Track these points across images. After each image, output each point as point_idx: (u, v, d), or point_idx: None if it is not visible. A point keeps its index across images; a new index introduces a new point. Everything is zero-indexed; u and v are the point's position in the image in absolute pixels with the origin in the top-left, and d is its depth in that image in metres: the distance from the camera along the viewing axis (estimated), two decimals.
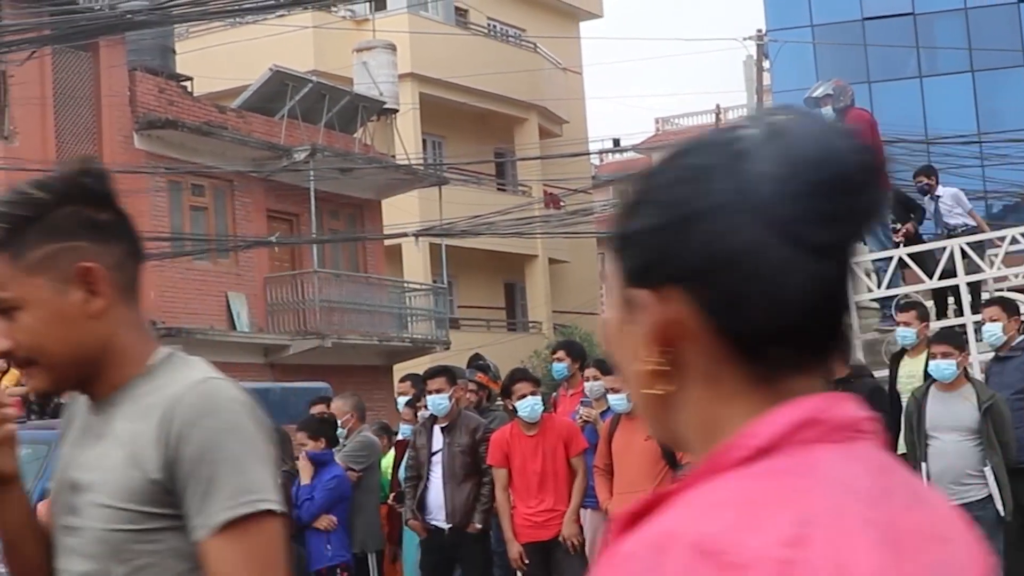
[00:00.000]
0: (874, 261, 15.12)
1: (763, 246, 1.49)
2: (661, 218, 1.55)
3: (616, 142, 62.06)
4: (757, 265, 1.50)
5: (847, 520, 1.42)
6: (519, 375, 11.88)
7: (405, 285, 35.81)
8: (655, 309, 1.56)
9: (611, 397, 11.18)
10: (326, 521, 12.23)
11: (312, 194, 29.90)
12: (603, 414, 12.05)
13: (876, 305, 15.26)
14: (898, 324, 12.44)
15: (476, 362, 14.74)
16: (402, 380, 14.63)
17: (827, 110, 15.34)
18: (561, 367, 13.29)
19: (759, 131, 1.54)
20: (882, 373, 12.57)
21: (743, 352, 1.54)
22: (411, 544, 13.14)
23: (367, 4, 38.00)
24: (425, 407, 12.56)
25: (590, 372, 12.58)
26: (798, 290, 1.51)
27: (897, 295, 14.19)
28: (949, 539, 1.53)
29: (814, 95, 15.78)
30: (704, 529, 1.42)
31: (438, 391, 12.00)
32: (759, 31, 33.55)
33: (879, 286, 14.95)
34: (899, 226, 15.98)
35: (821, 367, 1.58)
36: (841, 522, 1.42)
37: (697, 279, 1.53)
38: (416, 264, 38.25)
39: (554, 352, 13.96)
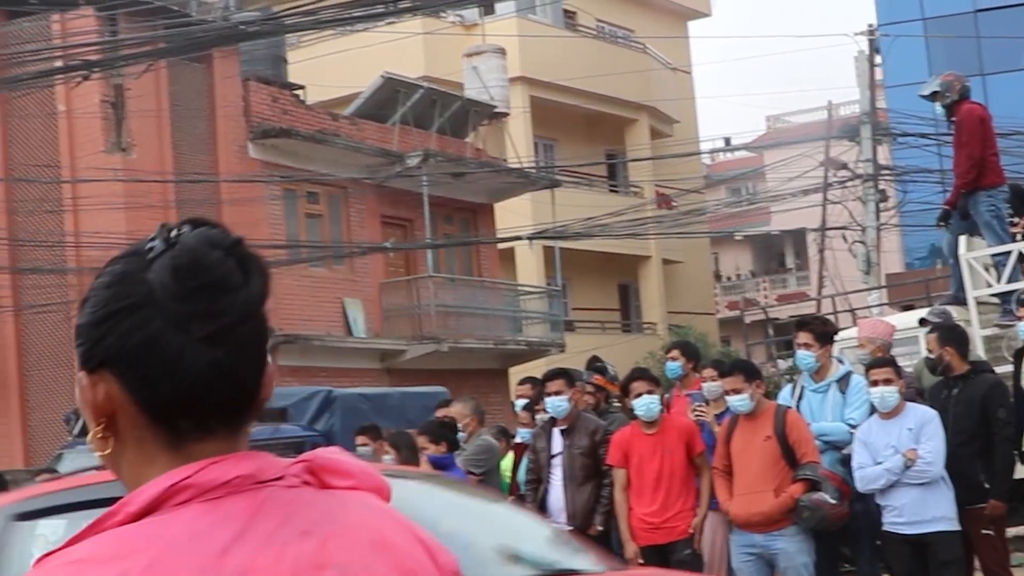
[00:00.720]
0: (993, 256, 14.92)
1: (163, 338, 1.85)
2: (94, 315, 1.91)
3: (727, 141, 61.88)
4: (159, 353, 1.86)
5: (170, 570, 1.76)
6: (637, 374, 11.85)
7: (519, 288, 35.89)
8: (91, 388, 1.91)
9: (730, 399, 11.12)
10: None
11: (425, 199, 30.04)
12: (720, 415, 12.01)
13: (996, 300, 15.06)
14: (1018, 319, 12.28)
15: (594, 364, 14.74)
16: (520, 383, 14.65)
17: (937, 107, 15.22)
18: (675, 366, 13.24)
19: (161, 244, 1.90)
20: (1005, 369, 12.41)
21: (157, 422, 1.89)
22: None
23: (476, 9, 38.13)
24: (544, 410, 12.57)
25: (707, 372, 12.52)
26: (193, 372, 1.85)
27: (1017, 290, 14.00)
28: (336, 564, 1.85)
29: (923, 93, 15.62)
30: None
31: (557, 393, 12.00)
32: (870, 26, 33.22)
33: (998, 281, 14.76)
34: (1017, 220, 15.77)
35: (233, 430, 1.92)
36: (162, 572, 1.76)
37: (119, 364, 1.88)
38: (530, 267, 38.31)
39: (668, 352, 13.92)
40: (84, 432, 13.19)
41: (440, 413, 14.06)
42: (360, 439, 14.08)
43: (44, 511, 6.88)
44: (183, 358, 1.85)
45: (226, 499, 1.85)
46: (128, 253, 1.96)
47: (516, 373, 31.94)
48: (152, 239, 1.93)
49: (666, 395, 13.16)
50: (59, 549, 1.83)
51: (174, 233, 1.92)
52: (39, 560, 1.83)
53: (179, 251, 1.89)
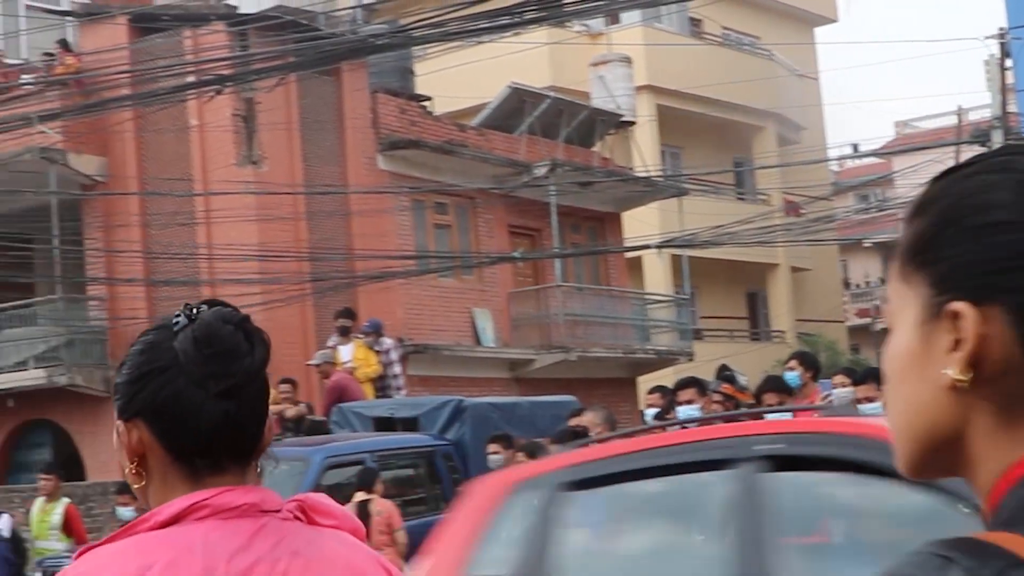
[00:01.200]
0: None
1: (185, 394, 2.37)
2: (130, 375, 2.43)
3: (855, 147, 61.24)
4: (182, 406, 2.37)
5: (183, 568, 2.28)
6: (769, 385, 11.80)
7: (647, 297, 35.84)
8: (127, 434, 2.41)
9: (863, 407, 11.05)
10: None
11: (553, 209, 30.10)
12: None
13: None
14: None
15: (723, 373, 14.71)
16: (651, 392, 14.65)
17: None
18: (793, 376, 13.17)
19: (184, 320, 2.42)
20: None
21: (179, 461, 2.40)
22: None
23: (602, 18, 38.15)
24: (675, 418, 12.57)
25: (838, 379, 12.45)
26: (210, 421, 2.37)
27: None
28: None
29: None
30: (81, 569, 2.32)
31: (688, 402, 12.02)
32: (1001, 29, 32.79)
33: None
34: None
35: (242, 467, 2.45)
36: (176, 569, 2.27)
37: (150, 414, 2.39)
38: (657, 276, 38.26)
39: (787, 362, 13.84)
40: None
41: (572, 422, 14.09)
42: (492, 447, 14.18)
43: (589, 481, 6.69)
44: (202, 410, 2.38)
45: (235, 520, 2.39)
46: (157, 326, 2.48)
47: (644, 382, 31.90)
48: (177, 315, 2.46)
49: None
50: (98, 544, 2.38)
51: (195, 311, 2.45)
52: (81, 552, 2.38)
53: (199, 325, 2.42)
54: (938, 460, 1.57)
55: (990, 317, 1.51)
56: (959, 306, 1.51)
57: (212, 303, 2.48)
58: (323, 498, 2.60)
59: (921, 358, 1.56)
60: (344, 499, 15.05)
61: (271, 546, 2.39)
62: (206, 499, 2.36)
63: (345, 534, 2.55)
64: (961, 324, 1.52)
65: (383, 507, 14.08)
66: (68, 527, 16.50)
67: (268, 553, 2.38)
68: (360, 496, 14.10)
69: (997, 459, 1.51)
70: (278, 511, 2.46)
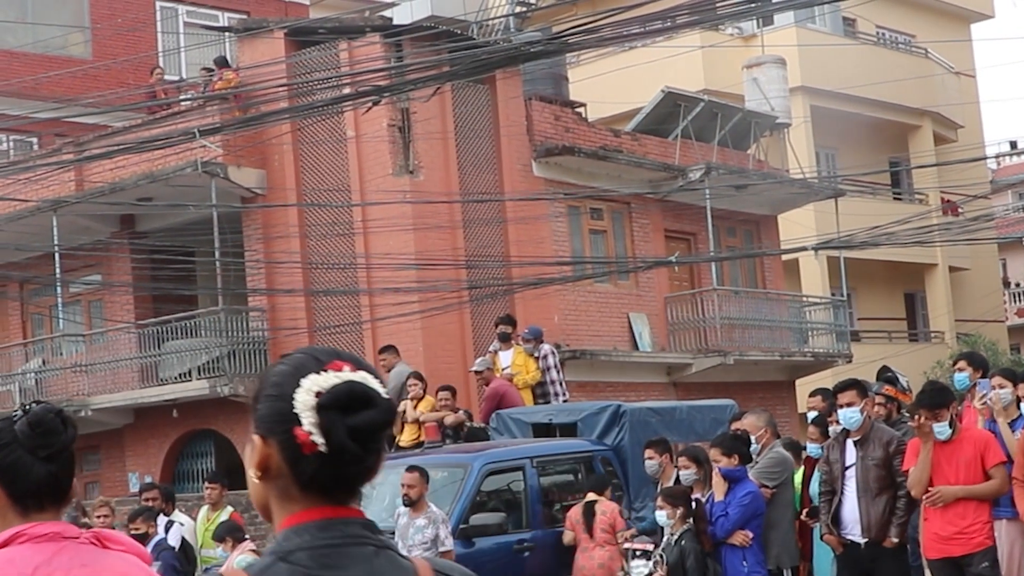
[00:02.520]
0: None
1: (23, 459, 3.53)
2: None
3: (1013, 144, 60.24)
4: (20, 467, 3.53)
5: (4, 572, 3.37)
6: (926, 399, 11.61)
7: (804, 299, 35.57)
8: None
9: None
10: (741, 537, 12.30)
11: (708, 212, 29.99)
12: (1013, 423, 11.78)
13: None
14: None
15: (884, 374, 14.58)
16: (812, 394, 14.57)
17: None
18: (963, 377, 13.02)
19: (21, 412, 3.58)
20: None
21: (15, 504, 3.53)
22: (825, 559, 13.09)
23: (754, 20, 37.94)
24: (836, 421, 12.49)
25: (995, 380, 12.27)
26: (38, 477, 3.53)
27: None
28: None
29: None
30: None
31: (849, 404, 11.92)
32: None
33: None
34: None
35: (58, 508, 3.59)
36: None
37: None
38: (814, 278, 37.97)
39: (955, 363, 13.68)
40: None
41: (734, 426, 14.06)
42: (648, 452, 14.19)
43: None
44: (32, 469, 3.54)
45: (44, 543, 3.48)
46: (3, 418, 3.61)
47: (803, 384, 31.68)
48: (16, 410, 3.62)
49: (958, 407, 12.94)
50: None
51: (27, 407, 3.60)
52: None
53: (31, 414, 3.57)
54: (268, 515, 2.84)
55: (270, 445, 2.76)
56: (255, 438, 2.79)
57: (39, 402, 3.66)
58: (116, 532, 3.79)
59: (249, 463, 2.82)
60: (573, 497, 15.18)
61: (67, 560, 3.46)
62: (24, 530, 3.51)
63: (131, 556, 3.61)
64: (257, 448, 2.79)
65: (607, 508, 14.64)
66: None
67: (64, 565, 3.45)
68: (590, 496, 14.77)
69: (279, 517, 2.78)
70: (77, 537, 3.54)
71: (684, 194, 29.81)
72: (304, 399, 2.68)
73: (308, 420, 2.66)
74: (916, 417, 11.24)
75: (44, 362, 29.42)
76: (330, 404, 2.66)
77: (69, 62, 33.99)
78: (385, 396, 2.73)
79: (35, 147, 33.32)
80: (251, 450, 2.79)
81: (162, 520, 15.93)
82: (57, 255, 27.45)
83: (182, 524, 16.32)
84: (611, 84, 34.56)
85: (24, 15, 34.74)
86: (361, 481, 2.75)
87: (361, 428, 2.66)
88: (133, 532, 14.52)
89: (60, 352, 29.28)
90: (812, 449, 13.39)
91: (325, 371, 2.71)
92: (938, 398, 11.40)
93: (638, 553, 13.67)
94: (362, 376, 2.72)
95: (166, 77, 32.99)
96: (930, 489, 11.26)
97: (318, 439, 2.65)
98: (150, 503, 15.91)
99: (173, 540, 15.77)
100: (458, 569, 2.94)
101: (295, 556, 2.68)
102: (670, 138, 30.80)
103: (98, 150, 25.34)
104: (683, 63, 36.01)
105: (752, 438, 13.30)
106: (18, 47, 34.04)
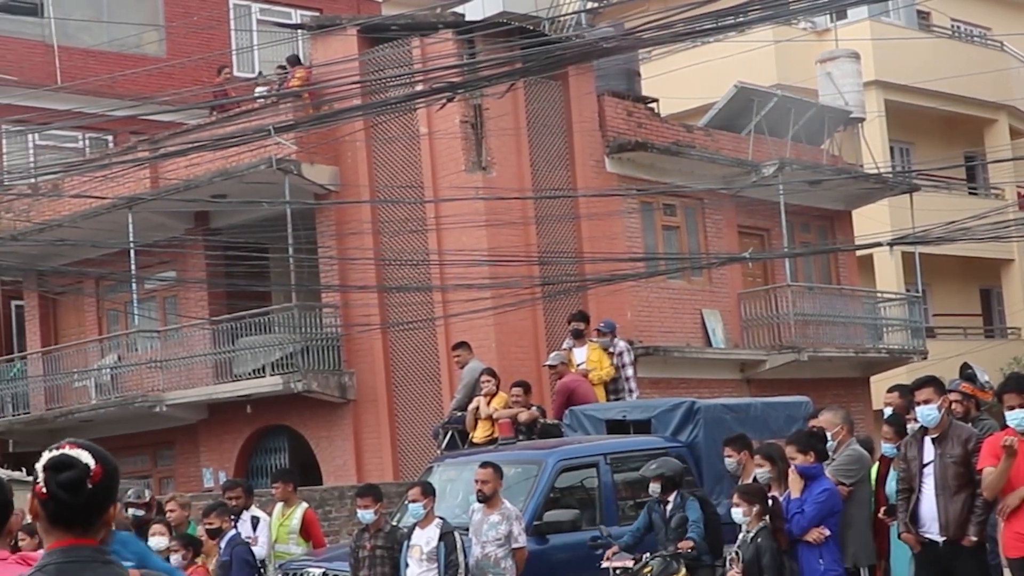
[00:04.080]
0: None
1: None
2: None
3: None
4: None
5: None
6: (1011, 385, 11.50)
7: (878, 295, 35.33)
8: None
9: None
10: (816, 534, 12.21)
11: (782, 208, 29.84)
12: None
13: None
14: None
15: (965, 371, 14.44)
16: (889, 390, 14.42)
17: None
18: None
19: None
20: None
21: None
22: (902, 558, 12.98)
23: (828, 14, 37.71)
24: (914, 418, 12.38)
25: None
26: None
27: None
28: None
29: None
30: None
31: (926, 401, 11.80)
32: None
33: None
34: None
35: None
36: None
37: None
38: (888, 273, 37.73)
39: None
40: (451, 446, 13.62)
41: (812, 423, 13.96)
42: (727, 450, 14.11)
43: None
44: None
45: None
46: None
47: (877, 381, 31.50)
48: None
49: None
50: None
51: None
52: None
53: None
54: None
55: (32, 498, 4.11)
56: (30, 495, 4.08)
57: None
58: (37, 553, 4.48)
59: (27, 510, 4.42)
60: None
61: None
62: None
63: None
64: (28, 500, 4.05)
65: None
66: (306, 531, 16.80)
67: None
68: None
69: (45, 545, 4.03)
70: (5, 559, 4.68)
71: (757, 190, 29.68)
72: (39, 466, 4.12)
73: (40, 478, 4.08)
74: (1003, 400, 11.15)
75: (120, 358, 29.66)
76: (47, 466, 4.09)
77: (144, 60, 34.27)
78: (86, 463, 4.07)
79: (111, 145, 33.61)
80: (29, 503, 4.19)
81: (247, 516, 15.97)
82: (132, 252, 27.69)
83: (257, 517, 16.34)
84: (684, 79, 34.46)
85: (100, 14, 35.03)
86: (88, 519, 4.10)
87: (62, 482, 4.04)
88: (207, 527, 14.60)
89: (135, 348, 29.52)
90: (887, 449, 13.27)
91: (55, 449, 4.13)
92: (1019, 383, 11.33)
93: (618, 572, 13.72)
94: (74, 451, 4.10)
95: (238, 74, 33.17)
96: (1000, 498, 11.17)
97: (43, 489, 4.06)
98: (233, 502, 15.97)
99: (260, 537, 15.83)
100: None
101: (46, 569, 4.05)
102: (743, 133, 30.67)
103: (173, 148, 25.54)
104: (756, 58, 35.87)
105: (828, 435, 13.21)
106: (94, 46, 34.36)
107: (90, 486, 4.04)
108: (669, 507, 13.97)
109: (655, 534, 14.09)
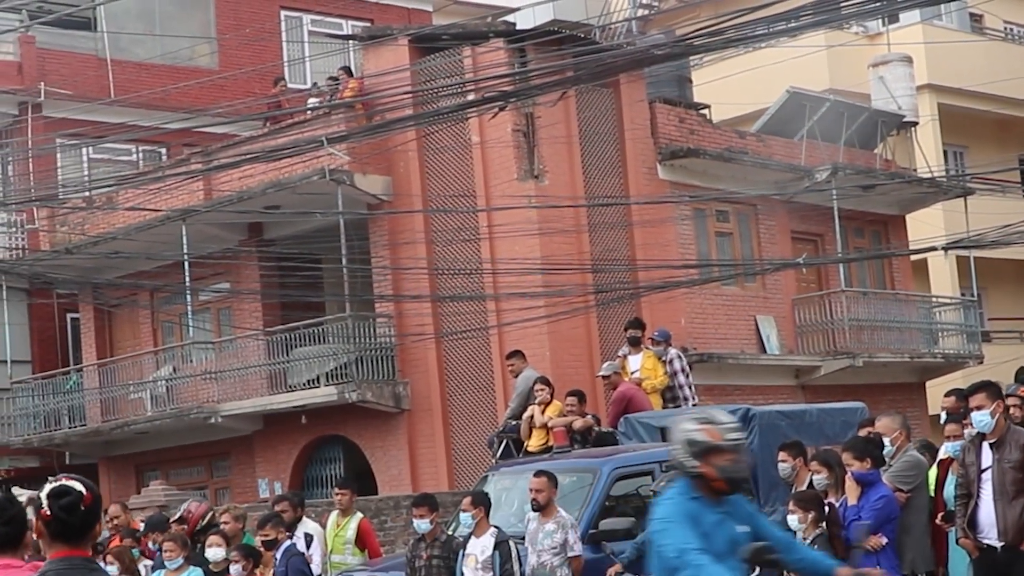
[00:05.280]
0: None
1: None
2: None
3: None
4: None
5: None
6: None
7: (933, 300, 35.12)
8: None
9: None
10: (874, 541, 12.15)
11: (835, 213, 29.73)
12: None
13: None
14: None
15: (1020, 376, 14.35)
16: (946, 395, 14.35)
17: None
18: None
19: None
20: None
21: None
22: (960, 564, 12.91)
23: (880, 18, 37.53)
24: (970, 424, 12.31)
25: None
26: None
27: None
28: None
29: None
30: None
31: (979, 408, 11.75)
32: None
33: None
34: None
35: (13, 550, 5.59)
36: None
37: None
38: (943, 278, 37.49)
39: None
40: (506, 455, 13.58)
41: (868, 429, 13.89)
42: (781, 455, 14.05)
43: None
44: None
45: None
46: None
47: (933, 387, 31.30)
48: None
49: None
50: None
51: None
52: None
53: None
54: None
55: (37, 519, 5.27)
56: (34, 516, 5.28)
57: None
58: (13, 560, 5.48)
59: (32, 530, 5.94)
60: None
61: None
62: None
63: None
64: (33, 520, 5.39)
65: None
66: (362, 541, 16.83)
67: None
68: None
69: (47, 556, 5.20)
70: (20, 567, 5.38)
71: (811, 195, 29.57)
72: (43, 495, 5.21)
73: (44, 504, 5.17)
74: None
75: (175, 369, 29.80)
76: (50, 495, 5.19)
77: (196, 73, 34.44)
78: (80, 491, 5.21)
79: (164, 158, 33.79)
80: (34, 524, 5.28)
81: (300, 532, 15.99)
82: (187, 264, 27.82)
83: (310, 535, 16.35)
84: (735, 85, 34.37)
85: (152, 28, 35.25)
86: (80, 535, 5.22)
87: (63, 505, 5.16)
88: (263, 538, 14.65)
89: (190, 359, 29.65)
90: (951, 447, 13.15)
91: (54, 481, 5.25)
92: None
93: None
94: (70, 482, 5.23)
95: (290, 86, 33.29)
96: None
97: (47, 512, 5.15)
98: (283, 515, 16.02)
99: (303, 545, 15.86)
100: None
101: (47, 574, 5.14)
102: (796, 138, 30.56)
103: (226, 160, 25.65)
104: (808, 63, 35.71)
105: (886, 441, 13.13)
106: (147, 59, 34.56)
107: (83, 508, 5.21)
108: None
109: None
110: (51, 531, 5.17)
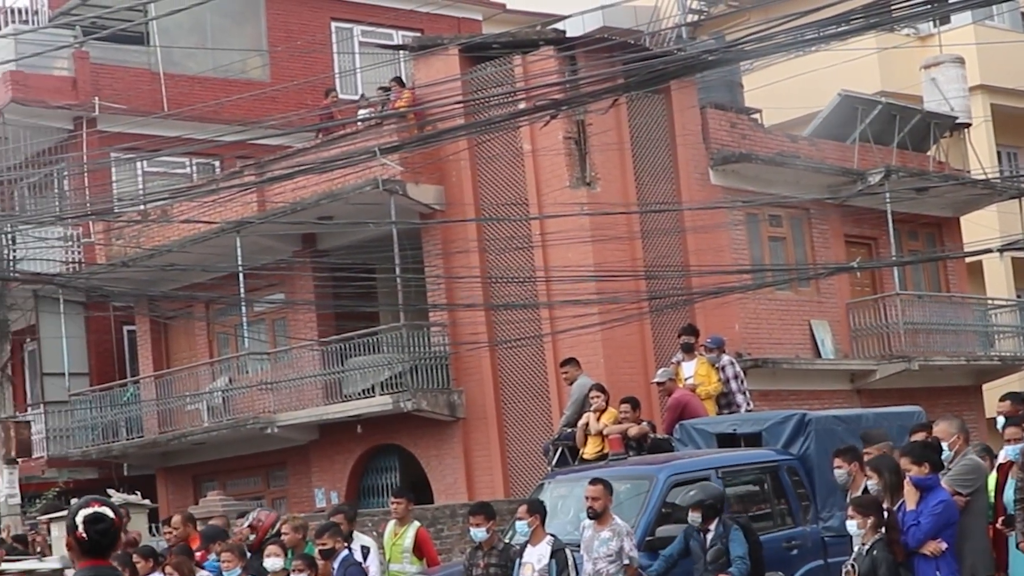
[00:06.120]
0: None
1: None
2: None
3: None
4: None
5: None
6: None
7: (989, 302, 34.93)
8: None
9: None
10: (933, 546, 12.08)
11: (889, 216, 29.62)
12: None
13: None
14: None
15: None
16: (1002, 399, 14.26)
17: None
18: None
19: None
20: None
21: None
22: (1021, 568, 12.83)
23: (931, 20, 37.36)
24: None
25: None
26: None
27: None
28: None
29: None
30: None
31: None
32: None
33: None
34: None
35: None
36: None
37: None
38: (999, 280, 37.30)
39: None
40: (561, 463, 13.66)
41: (925, 433, 13.82)
42: (837, 461, 14.00)
43: None
44: None
45: None
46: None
47: (990, 390, 31.11)
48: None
49: None
50: None
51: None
52: None
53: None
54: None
55: (70, 538, 5.93)
56: (66, 536, 6.01)
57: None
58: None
59: (64, 546, 8.10)
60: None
61: None
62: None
63: None
64: (65, 538, 6.09)
65: None
66: (419, 550, 16.87)
67: None
68: None
69: (76, 566, 5.95)
70: None
71: (864, 198, 29.50)
72: (78, 519, 5.78)
73: (80, 528, 5.75)
74: None
75: (231, 380, 29.96)
76: (86, 520, 5.76)
77: (248, 85, 34.65)
78: (111, 517, 5.86)
79: (218, 170, 33.98)
80: (65, 539, 5.92)
81: (356, 544, 16.02)
82: (241, 275, 27.97)
83: (367, 547, 16.37)
84: (787, 89, 34.27)
85: (204, 41, 35.47)
86: (109, 550, 5.85)
87: (100, 530, 5.77)
88: (321, 547, 14.70)
89: (246, 370, 29.80)
90: (1011, 451, 13.06)
91: (88, 507, 5.81)
92: None
93: None
94: (102, 509, 5.81)
95: (342, 96, 33.42)
96: None
97: (83, 535, 5.75)
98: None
99: (360, 555, 15.89)
100: None
101: None
102: (848, 142, 30.46)
103: (279, 171, 25.76)
104: (859, 66, 35.56)
105: (944, 445, 13.06)
106: (199, 73, 34.78)
107: (113, 530, 5.90)
108: (710, 535, 13.90)
109: (693, 562, 14.04)
110: (83, 548, 5.84)
